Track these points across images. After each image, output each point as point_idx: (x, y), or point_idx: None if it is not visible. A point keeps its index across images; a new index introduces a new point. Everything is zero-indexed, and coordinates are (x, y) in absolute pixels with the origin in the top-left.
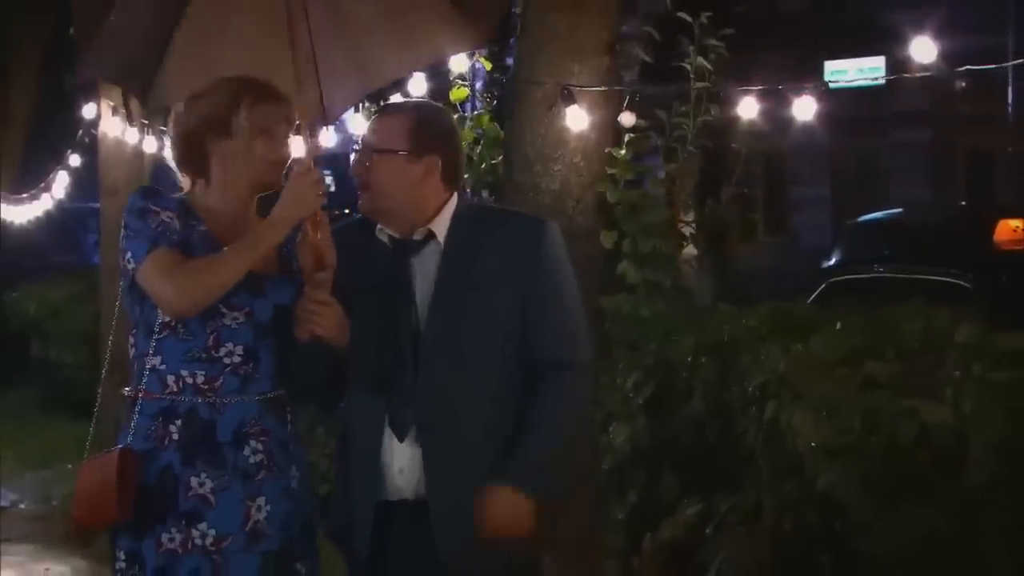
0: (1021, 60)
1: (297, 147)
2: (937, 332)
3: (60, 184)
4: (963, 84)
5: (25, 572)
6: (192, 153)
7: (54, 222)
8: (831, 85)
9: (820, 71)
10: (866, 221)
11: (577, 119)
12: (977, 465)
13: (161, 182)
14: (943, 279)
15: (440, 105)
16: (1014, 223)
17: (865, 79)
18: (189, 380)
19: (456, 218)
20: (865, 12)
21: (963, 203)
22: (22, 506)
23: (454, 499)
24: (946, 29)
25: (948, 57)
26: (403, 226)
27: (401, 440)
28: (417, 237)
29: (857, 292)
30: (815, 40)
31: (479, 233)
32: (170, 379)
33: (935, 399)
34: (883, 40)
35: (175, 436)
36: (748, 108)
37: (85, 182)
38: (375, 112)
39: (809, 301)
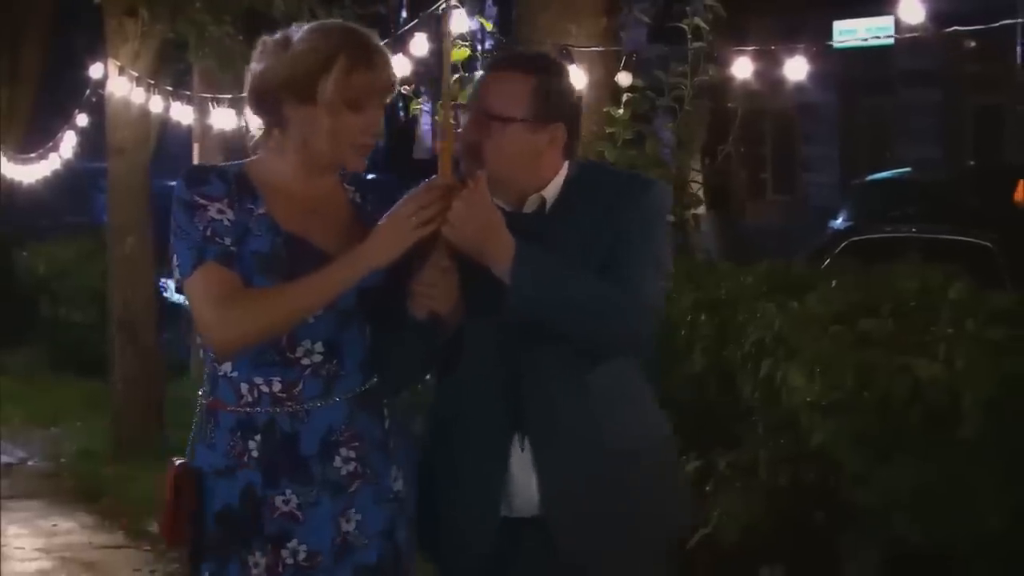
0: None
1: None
2: (932, 290)
3: (68, 144)
4: (972, 43)
5: (32, 528)
6: (267, 115)
7: (67, 182)
8: (833, 45)
9: (830, 31)
10: (878, 180)
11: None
12: (969, 420)
13: (168, 142)
14: (965, 239)
15: (560, 61)
16: None
17: (852, 40)
18: (264, 388)
19: (567, 183)
20: None
21: (972, 162)
22: (30, 463)
23: (575, 510)
24: None
25: (958, 16)
26: (515, 197)
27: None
28: (528, 209)
29: (876, 252)
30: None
31: (585, 198)
32: (243, 387)
33: (928, 356)
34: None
35: (254, 453)
36: (744, 68)
37: (95, 142)
38: (490, 66)
39: (827, 262)
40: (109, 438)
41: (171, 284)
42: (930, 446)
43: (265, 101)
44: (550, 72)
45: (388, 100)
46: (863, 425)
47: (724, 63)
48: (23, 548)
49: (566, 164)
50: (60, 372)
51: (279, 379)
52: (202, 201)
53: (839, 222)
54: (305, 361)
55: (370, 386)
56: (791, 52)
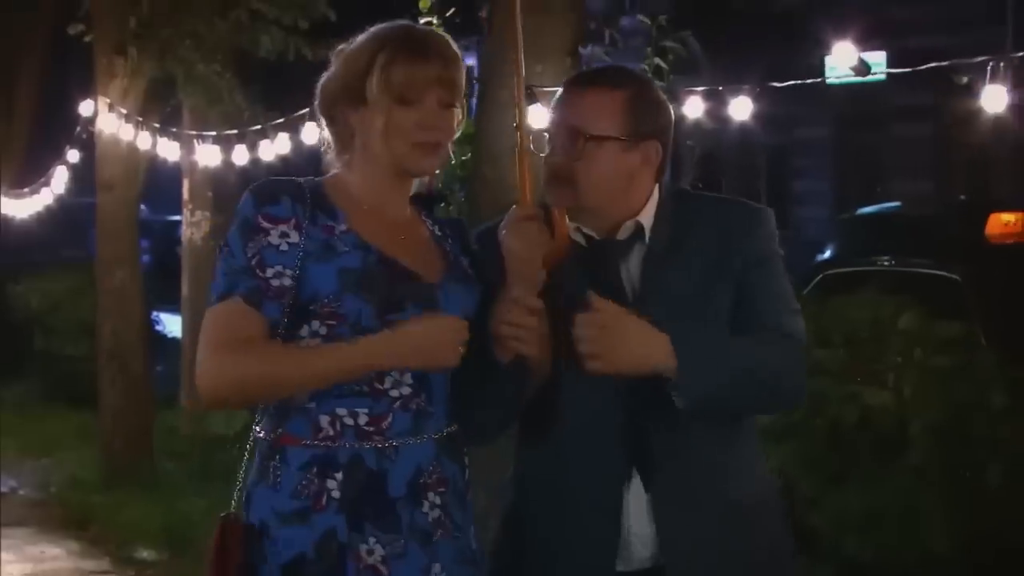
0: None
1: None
2: (883, 320)
3: (60, 179)
4: (964, 79)
5: (21, 554)
6: (332, 125)
7: (64, 216)
8: (826, 81)
9: (822, 67)
10: (859, 215)
11: (540, 117)
12: (916, 446)
13: (161, 176)
14: (934, 272)
15: (646, 74)
16: (1006, 217)
17: (825, 78)
18: (349, 421)
19: (661, 208)
20: (868, 7)
21: (962, 197)
22: (21, 492)
23: (698, 564)
24: (949, 24)
25: (949, 51)
26: (606, 224)
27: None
28: (622, 236)
29: (851, 285)
30: (817, 35)
31: (689, 224)
32: (323, 420)
33: (878, 384)
34: (884, 36)
35: (335, 493)
36: (693, 107)
37: (88, 178)
38: (573, 82)
39: (804, 293)
40: (98, 468)
41: (164, 318)
42: (879, 470)
43: (328, 111)
44: (640, 84)
45: (454, 93)
46: (815, 451)
47: (711, 99)
48: (12, 574)
49: (656, 187)
50: (52, 404)
51: (366, 411)
52: (265, 224)
53: (825, 256)
54: (394, 393)
55: (454, 429)
56: (785, 88)
